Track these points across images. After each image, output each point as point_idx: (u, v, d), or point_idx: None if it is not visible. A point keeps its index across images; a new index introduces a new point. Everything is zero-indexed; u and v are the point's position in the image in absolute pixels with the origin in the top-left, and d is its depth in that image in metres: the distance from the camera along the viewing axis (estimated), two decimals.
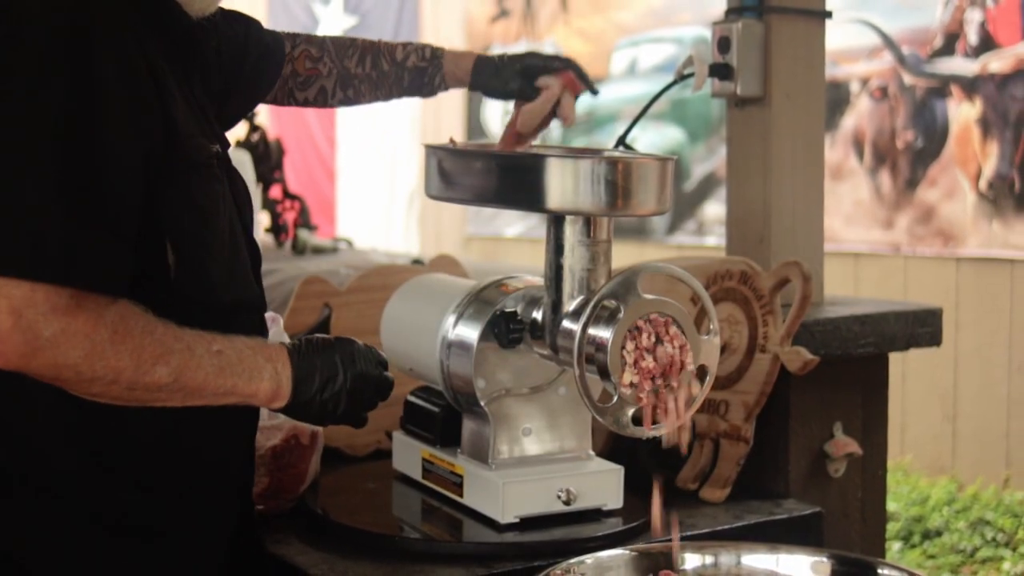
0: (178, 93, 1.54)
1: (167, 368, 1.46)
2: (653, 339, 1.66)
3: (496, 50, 7.81)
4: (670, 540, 1.69)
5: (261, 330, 1.70)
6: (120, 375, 1.43)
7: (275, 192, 4.35)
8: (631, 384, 1.65)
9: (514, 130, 1.95)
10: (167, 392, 1.48)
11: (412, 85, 2.02)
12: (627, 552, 1.68)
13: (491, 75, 1.96)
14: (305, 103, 2.02)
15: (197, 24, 1.63)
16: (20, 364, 1.40)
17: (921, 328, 2.33)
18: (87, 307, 1.40)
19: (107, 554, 1.52)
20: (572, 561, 1.62)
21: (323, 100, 2.02)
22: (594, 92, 1.97)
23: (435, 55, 2.00)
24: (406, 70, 2.00)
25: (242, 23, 1.89)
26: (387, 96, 2.04)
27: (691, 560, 1.69)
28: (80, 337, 1.40)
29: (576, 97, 1.95)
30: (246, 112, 2.03)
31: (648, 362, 1.66)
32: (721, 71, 2.33)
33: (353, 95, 2.02)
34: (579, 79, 1.94)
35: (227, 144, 1.70)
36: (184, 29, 1.60)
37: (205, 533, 1.61)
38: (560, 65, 1.93)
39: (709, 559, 1.70)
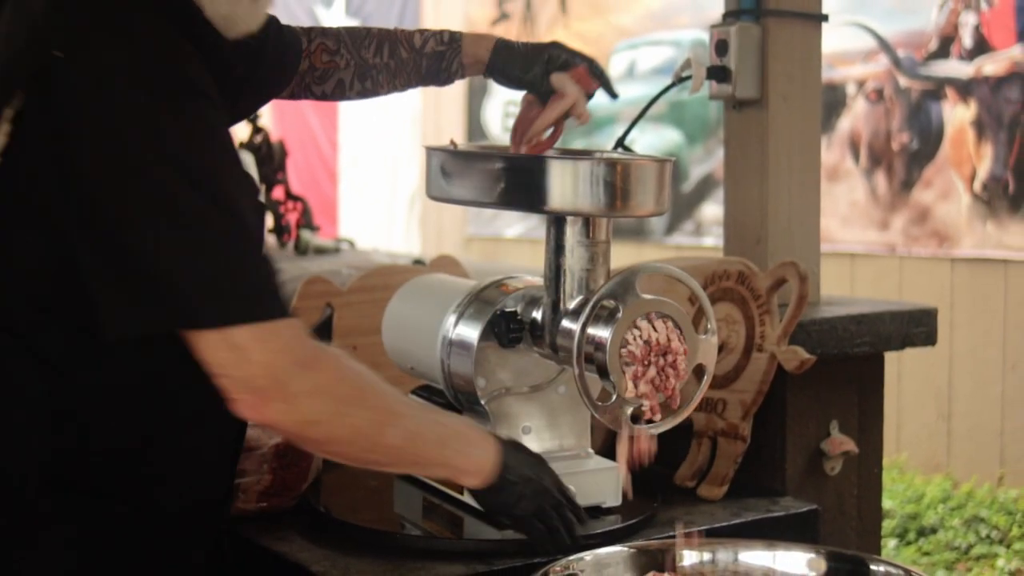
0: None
1: (401, 432, 1.46)
2: (652, 339, 1.66)
3: None
4: (672, 537, 1.69)
5: None
6: (360, 435, 1.44)
7: (278, 193, 4.35)
8: (630, 383, 1.65)
9: (527, 126, 1.88)
10: (397, 455, 1.48)
11: (430, 72, 1.96)
12: (625, 549, 1.68)
13: (511, 61, 1.89)
14: (323, 96, 1.97)
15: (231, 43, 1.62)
16: (276, 419, 1.40)
17: (916, 328, 2.33)
18: (327, 362, 1.41)
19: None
20: (571, 558, 1.63)
21: (341, 93, 1.97)
22: (613, 96, 1.90)
23: (453, 38, 1.94)
24: (424, 56, 1.94)
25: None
26: (405, 85, 1.98)
27: (689, 557, 1.69)
28: (325, 392, 1.40)
29: (589, 97, 1.89)
30: (258, 108, 2.00)
31: (646, 361, 1.66)
32: (719, 73, 2.33)
33: (371, 86, 1.97)
34: (597, 79, 1.87)
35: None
36: (223, 58, 1.57)
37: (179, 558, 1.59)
38: (581, 62, 1.86)
39: (707, 556, 1.70)
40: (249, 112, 1.94)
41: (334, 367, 1.43)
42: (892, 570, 1.61)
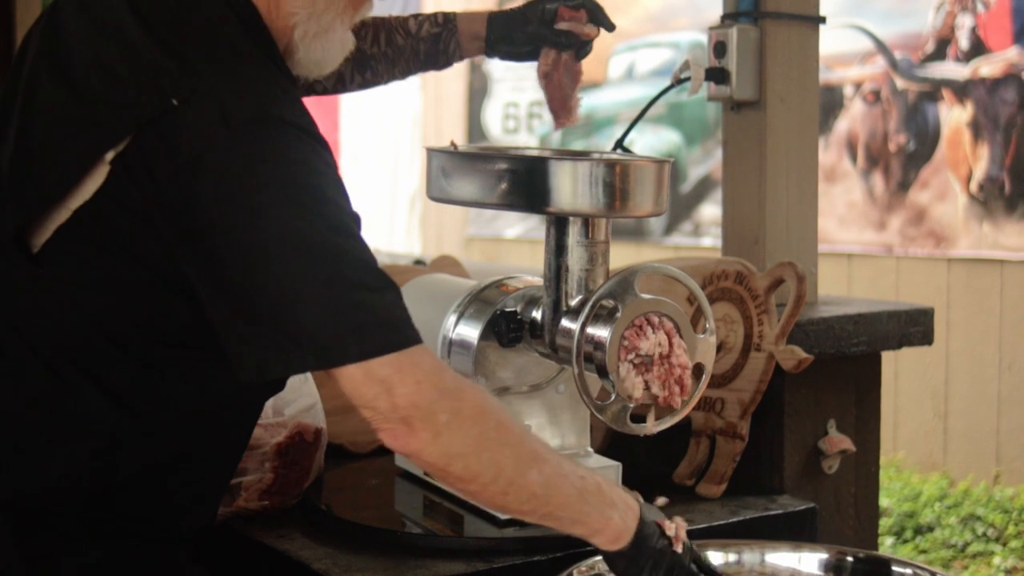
0: None
1: (541, 476, 1.42)
2: (651, 338, 1.66)
3: None
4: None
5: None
6: (501, 473, 1.39)
7: None
8: (628, 382, 1.65)
9: (559, 93, 1.87)
10: (534, 503, 1.43)
11: (428, 56, 1.95)
12: None
13: (508, 25, 1.88)
14: (324, 91, 1.96)
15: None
16: (421, 448, 1.37)
17: (913, 327, 2.33)
18: (471, 393, 1.38)
19: None
20: (596, 559, 1.62)
21: (341, 86, 1.96)
22: (610, 28, 1.87)
23: (448, 19, 1.93)
24: (421, 40, 1.93)
25: None
26: (404, 72, 1.97)
27: (714, 558, 1.69)
28: (469, 424, 1.37)
29: (587, 44, 1.86)
30: None
31: (645, 360, 1.66)
32: (717, 75, 2.33)
33: (371, 76, 1.96)
34: (596, 18, 1.85)
35: None
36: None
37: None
38: (580, 2, 1.84)
39: (732, 557, 1.70)
40: None
41: (478, 400, 1.39)
42: (920, 572, 1.60)
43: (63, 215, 1.42)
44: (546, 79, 1.89)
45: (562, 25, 1.85)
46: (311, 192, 1.36)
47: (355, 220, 1.43)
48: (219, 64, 1.39)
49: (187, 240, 1.36)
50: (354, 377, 1.35)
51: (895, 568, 1.63)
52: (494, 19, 1.91)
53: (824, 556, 1.69)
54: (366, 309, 1.35)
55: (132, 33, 1.42)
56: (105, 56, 1.43)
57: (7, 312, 1.46)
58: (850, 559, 1.67)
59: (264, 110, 1.36)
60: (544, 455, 1.44)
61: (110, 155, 1.37)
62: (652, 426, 1.71)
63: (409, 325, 1.38)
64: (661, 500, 1.91)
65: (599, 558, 1.60)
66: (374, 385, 1.35)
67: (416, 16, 1.95)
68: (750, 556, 1.70)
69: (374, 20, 1.95)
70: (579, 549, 1.64)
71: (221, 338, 1.37)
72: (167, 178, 1.35)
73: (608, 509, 1.48)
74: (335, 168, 1.43)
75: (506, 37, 1.89)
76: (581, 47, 1.87)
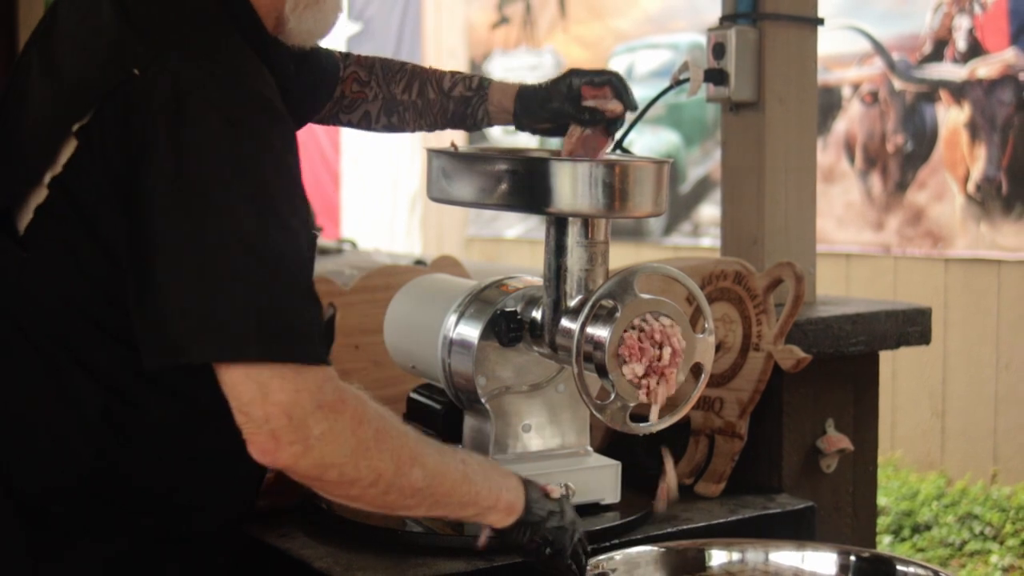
0: None
1: (423, 472, 1.43)
2: (650, 337, 1.66)
3: (496, 56, 7.85)
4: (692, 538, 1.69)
5: None
6: (380, 477, 1.40)
7: None
8: (628, 381, 1.65)
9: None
10: (419, 498, 1.44)
11: (456, 116, 1.94)
12: (655, 549, 1.68)
13: (534, 99, 1.85)
14: (349, 124, 1.96)
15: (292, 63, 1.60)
16: (290, 463, 1.36)
17: (911, 327, 2.32)
18: (350, 404, 1.37)
19: None
20: (602, 558, 1.62)
21: (367, 124, 1.96)
22: (633, 107, 1.84)
23: (481, 85, 1.92)
24: (451, 99, 1.92)
25: None
26: (431, 126, 1.96)
27: (719, 556, 1.69)
28: (347, 435, 1.37)
29: (617, 120, 1.81)
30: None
31: (644, 360, 1.66)
32: (716, 76, 2.33)
33: (397, 121, 1.95)
34: (620, 95, 1.81)
35: None
36: (285, 76, 1.57)
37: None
38: (602, 79, 1.81)
39: (736, 555, 1.70)
40: None
41: (356, 410, 1.38)
42: (920, 571, 1.60)
43: (41, 194, 1.44)
44: (571, 155, 1.85)
45: (587, 103, 1.81)
46: (258, 186, 1.35)
47: (301, 216, 1.41)
48: (181, 37, 1.40)
49: (128, 217, 1.37)
50: (235, 377, 1.34)
51: (899, 567, 1.63)
52: (522, 93, 1.88)
53: (832, 556, 1.68)
54: (271, 315, 1.34)
55: (106, 15, 1.45)
56: (81, 40, 1.47)
57: None
58: (853, 558, 1.67)
59: (222, 86, 1.36)
60: (424, 452, 1.45)
61: (76, 127, 1.40)
62: (651, 426, 1.71)
63: (310, 342, 1.36)
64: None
65: (604, 556, 1.61)
66: (253, 389, 1.33)
67: (454, 74, 1.94)
68: (753, 555, 1.70)
69: (412, 67, 1.94)
70: None
71: (133, 317, 1.36)
72: (119, 150, 1.36)
73: (495, 486, 1.52)
74: (291, 147, 1.42)
75: (532, 113, 1.87)
76: (610, 123, 1.82)
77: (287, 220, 1.37)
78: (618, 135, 1.94)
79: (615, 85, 1.80)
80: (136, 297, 1.36)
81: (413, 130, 1.99)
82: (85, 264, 1.43)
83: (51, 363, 1.45)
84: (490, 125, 1.95)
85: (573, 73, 1.83)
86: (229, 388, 1.35)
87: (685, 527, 1.89)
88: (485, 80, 1.93)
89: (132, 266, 1.37)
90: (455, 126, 1.97)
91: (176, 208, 1.33)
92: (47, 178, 1.43)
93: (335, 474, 1.38)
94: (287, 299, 1.36)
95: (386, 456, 1.40)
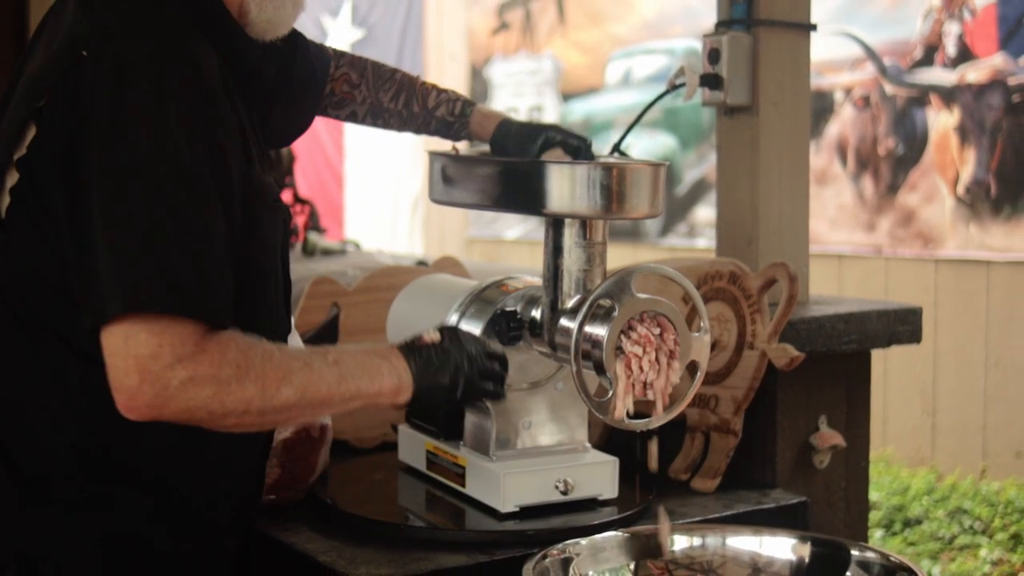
0: (249, 132, 1.54)
1: (291, 388, 1.44)
2: (646, 336, 1.66)
3: (496, 61, 7.85)
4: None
5: None
6: (250, 405, 1.41)
7: (286, 197, 4.35)
8: (625, 379, 1.65)
9: None
10: (297, 410, 1.46)
11: (438, 132, 1.98)
12: (619, 534, 1.69)
13: (509, 140, 1.89)
14: (337, 118, 1.99)
15: (260, 49, 1.62)
16: (152, 415, 1.38)
17: (902, 326, 2.32)
18: (209, 350, 1.38)
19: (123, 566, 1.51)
20: (569, 543, 1.63)
21: (353, 120, 1.98)
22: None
23: (463, 113, 1.95)
24: (434, 118, 1.96)
25: (290, 35, 1.78)
26: (416, 132, 2.00)
27: (680, 541, 1.70)
28: (207, 380, 1.38)
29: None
30: (288, 134, 1.93)
31: (641, 358, 1.66)
32: (711, 81, 2.33)
33: (382, 124, 1.99)
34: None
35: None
36: (251, 61, 1.59)
37: (211, 549, 1.60)
38: (576, 142, 1.85)
39: (697, 541, 1.71)
40: (280, 136, 1.90)
41: (216, 353, 1.39)
42: (871, 555, 1.62)
43: (13, 176, 1.47)
44: None
45: (547, 155, 1.85)
46: (185, 156, 1.38)
47: (226, 188, 1.44)
48: (130, 18, 1.44)
49: (70, 188, 1.40)
50: (111, 329, 1.35)
51: (854, 552, 1.64)
52: (501, 129, 1.91)
53: (790, 540, 1.70)
54: (166, 271, 1.36)
55: (71, 4, 1.50)
56: (51, 32, 1.52)
57: None
58: (808, 543, 1.69)
59: (157, 60, 1.40)
60: (291, 368, 1.45)
61: (34, 110, 1.44)
62: (648, 422, 1.71)
63: (199, 300, 1.37)
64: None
65: (571, 541, 1.62)
66: (118, 339, 1.35)
67: (439, 92, 1.97)
68: (712, 540, 1.72)
69: (401, 76, 1.96)
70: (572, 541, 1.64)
71: (76, 285, 1.39)
72: (64, 130, 1.40)
73: (375, 373, 1.53)
74: (226, 121, 1.45)
75: (507, 151, 1.90)
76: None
77: (206, 195, 1.40)
78: (616, 138, 1.94)
79: (581, 154, 1.85)
80: (75, 255, 1.40)
81: (398, 131, 2.02)
82: (50, 240, 1.45)
83: (36, 340, 1.48)
84: (471, 140, 1.99)
85: (552, 128, 1.87)
86: (103, 340, 1.37)
87: (680, 522, 1.89)
88: (468, 108, 1.96)
89: (72, 240, 1.40)
90: (437, 136, 2.01)
91: (107, 177, 1.37)
92: (15, 160, 1.47)
93: (203, 414, 1.39)
94: (177, 256, 1.37)
95: (250, 386, 1.41)
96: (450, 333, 1.65)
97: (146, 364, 1.35)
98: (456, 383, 1.61)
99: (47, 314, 1.47)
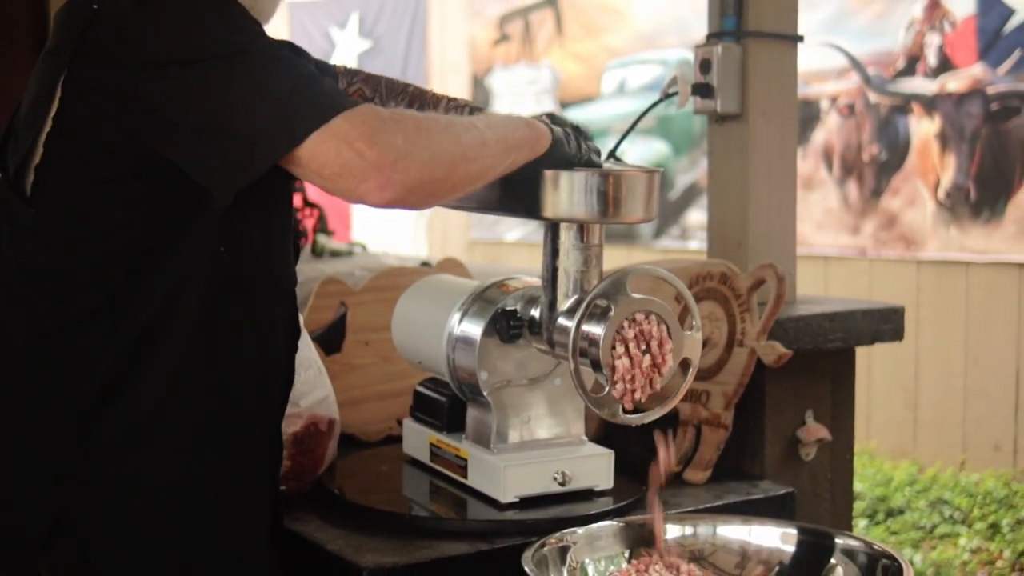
0: None
1: (474, 135, 1.47)
2: (641, 334, 1.66)
3: (497, 71, 7.84)
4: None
5: (293, 304, 1.68)
6: (458, 145, 1.44)
7: (295, 201, 4.34)
8: (621, 375, 1.65)
9: None
10: (488, 156, 1.49)
11: None
12: (615, 523, 1.69)
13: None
14: None
15: None
16: (402, 177, 1.37)
17: (885, 325, 2.33)
18: (390, 110, 1.40)
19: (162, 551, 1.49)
20: (565, 532, 1.63)
21: None
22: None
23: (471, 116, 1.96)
24: None
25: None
26: None
27: (672, 530, 1.70)
28: (409, 126, 1.38)
29: None
30: None
31: (636, 355, 1.66)
32: (703, 90, 2.33)
33: None
34: None
35: None
36: None
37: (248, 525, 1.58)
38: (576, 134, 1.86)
39: (688, 530, 1.71)
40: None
41: (395, 112, 1.41)
42: (855, 543, 1.62)
43: (38, 153, 1.46)
44: None
45: None
46: (235, 26, 1.40)
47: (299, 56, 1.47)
48: None
49: (132, 115, 1.39)
50: (309, 149, 1.35)
51: (837, 540, 1.65)
52: None
53: (777, 530, 1.71)
54: (312, 91, 1.37)
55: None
56: (68, 15, 1.52)
57: (18, 256, 1.49)
58: (795, 532, 1.70)
59: None
60: (461, 121, 1.49)
61: (61, 79, 1.44)
62: (641, 417, 1.71)
63: (346, 98, 1.40)
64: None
65: (568, 531, 1.62)
66: (332, 143, 1.34)
67: (449, 100, 1.94)
68: (704, 529, 1.73)
69: (413, 89, 1.95)
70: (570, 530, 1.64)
71: (192, 171, 1.39)
72: (100, 64, 1.40)
73: (522, 123, 1.59)
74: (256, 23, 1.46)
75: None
76: None
77: (275, 47, 1.41)
78: (612, 146, 1.94)
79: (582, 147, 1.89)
80: (186, 147, 1.39)
81: None
82: (81, 210, 1.44)
83: (64, 312, 1.45)
84: None
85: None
86: (315, 160, 1.35)
87: (673, 512, 1.89)
88: (476, 113, 1.93)
89: (170, 134, 1.39)
90: None
91: (185, 71, 1.36)
92: (42, 137, 1.45)
93: (438, 169, 1.41)
94: (309, 82, 1.39)
95: (446, 138, 1.43)
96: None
97: (370, 135, 1.35)
98: (579, 143, 1.66)
99: (71, 284, 1.45)
